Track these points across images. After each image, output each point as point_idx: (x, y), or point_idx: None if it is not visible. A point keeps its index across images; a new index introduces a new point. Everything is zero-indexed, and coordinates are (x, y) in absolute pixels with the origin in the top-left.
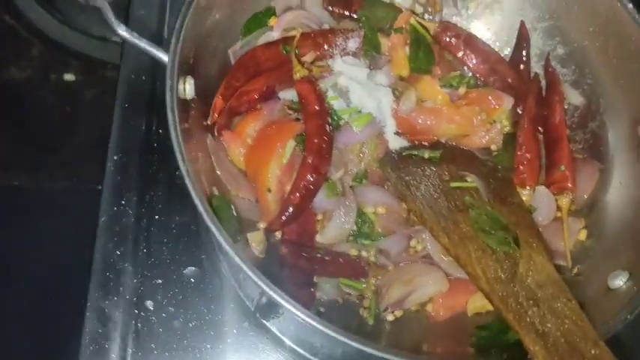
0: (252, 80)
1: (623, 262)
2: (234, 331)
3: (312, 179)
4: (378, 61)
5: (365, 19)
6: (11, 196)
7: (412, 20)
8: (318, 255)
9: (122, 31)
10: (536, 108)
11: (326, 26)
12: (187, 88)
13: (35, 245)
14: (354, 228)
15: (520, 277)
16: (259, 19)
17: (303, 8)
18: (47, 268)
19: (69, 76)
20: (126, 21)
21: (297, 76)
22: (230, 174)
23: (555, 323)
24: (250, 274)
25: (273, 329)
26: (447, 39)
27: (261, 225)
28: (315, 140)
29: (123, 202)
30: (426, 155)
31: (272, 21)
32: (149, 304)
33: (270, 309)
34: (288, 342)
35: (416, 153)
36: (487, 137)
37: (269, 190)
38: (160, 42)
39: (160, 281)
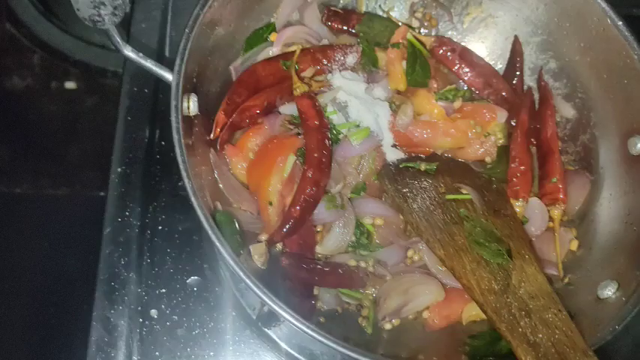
0: (254, 96)
1: (612, 273)
2: (237, 338)
3: (312, 192)
4: (376, 75)
5: (363, 34)
6: (13, 204)
7: (409, 35)
8: (318, 266)
9: (128, 52)
10: (529, 121)
11: (325, 41)
12: (191, 105)
13: (37, 253)
14: (353, 239)
15: (513, 288)
16: (260, 35)
17: (302, 24)
18: (51, 276)
19: (70, 84)
20: (127, 34)
21: (297, 92)
22: (232, 187)
23: (546, 334)
24: (253, 287)
25: (275, 337)
26: (443, 53)
27: (263, 237)
28: (315, 155)
29: (127, 213)
30: (423, 167)
31: (272, 37)
32: (153, 312)
33: (271, 318)
34: (289, 349)
35: (413, 165)
36: (482, 150)
37: (270, 203)
38: (161, 53)
39: (163, 290)
